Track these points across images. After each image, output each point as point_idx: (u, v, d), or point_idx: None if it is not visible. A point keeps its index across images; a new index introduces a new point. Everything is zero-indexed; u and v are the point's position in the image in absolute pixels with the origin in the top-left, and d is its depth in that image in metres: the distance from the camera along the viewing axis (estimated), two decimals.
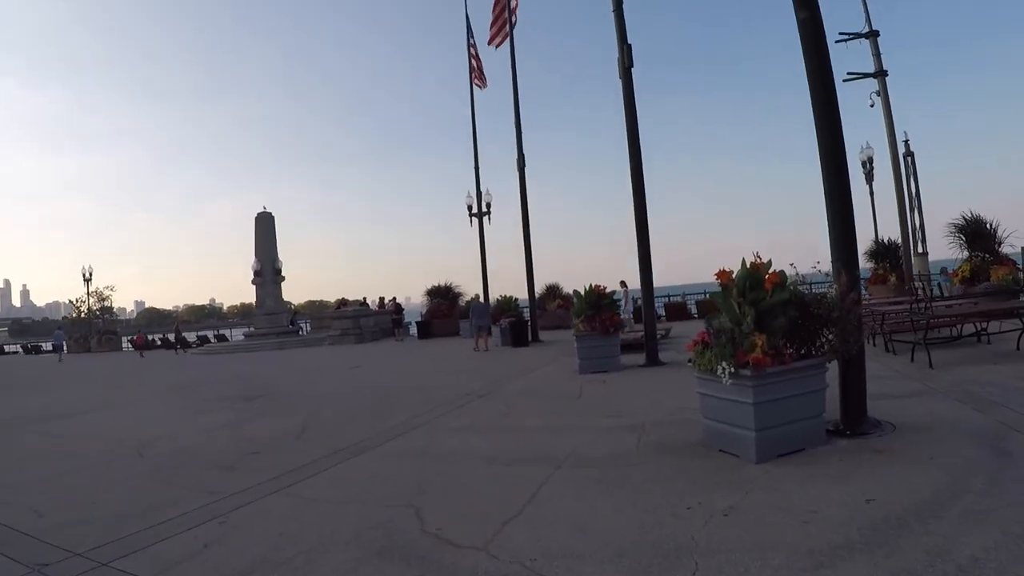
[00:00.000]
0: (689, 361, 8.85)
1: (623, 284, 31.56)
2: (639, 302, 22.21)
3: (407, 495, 7.66)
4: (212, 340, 55.42)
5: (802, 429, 8.19)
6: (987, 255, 24.91)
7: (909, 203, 31.33)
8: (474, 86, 36.53)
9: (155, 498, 8.32)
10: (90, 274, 61.42)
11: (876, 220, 36.70)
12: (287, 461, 9.79)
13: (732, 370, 7.79)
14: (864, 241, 35.42)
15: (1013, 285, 22.28)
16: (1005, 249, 25.19)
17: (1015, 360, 13.55)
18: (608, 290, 17.95)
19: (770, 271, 8.35)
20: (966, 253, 25.91)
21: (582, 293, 17.85)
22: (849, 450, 8.07)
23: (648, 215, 18.35)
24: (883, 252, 33.57)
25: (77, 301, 66.94)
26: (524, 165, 30.87)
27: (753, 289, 8.22)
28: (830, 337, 8.50)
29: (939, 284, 29.84)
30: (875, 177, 36.40)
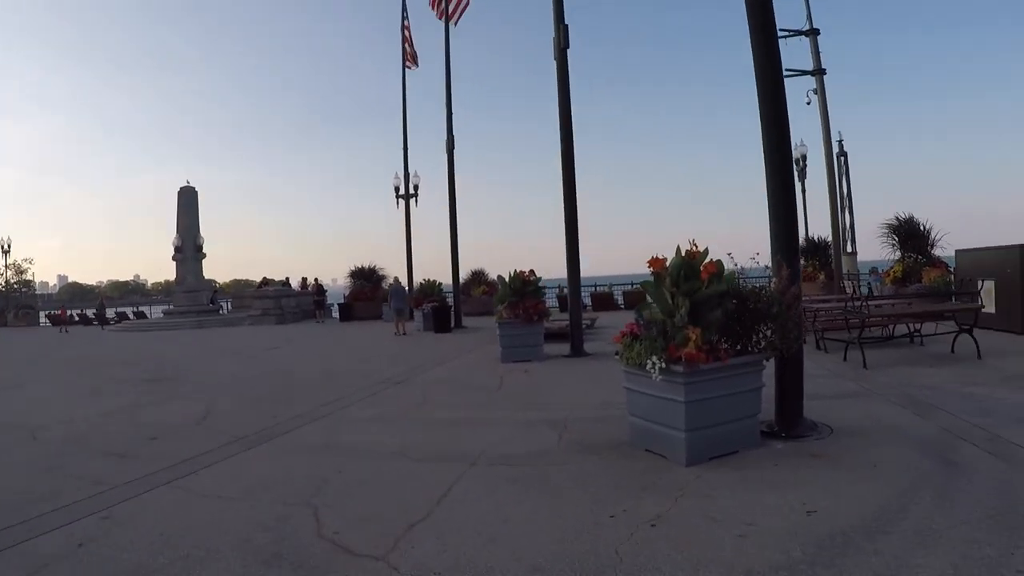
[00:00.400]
0: (616, 354, 8.24)
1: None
2: (564, 291, 21.72)
3: (305, 493, 6.93)
4: (131, 317, 53.42)
5: (736, 430, 7.66)
6: (920, 256, 25.03)
7: (840, 202, 31.33)
8: (406, 66, 35.91)
9: (38, 488, 7.52)
10: (8, 246, 57.86)
11: (807, 218, 36.87)
12: (183, 450, 9.00)
13: (663, 365, 7.20)
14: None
15: (945, 287, 22.23)
16: (937, 251, 25.32)
17: (951, 363, 13.31)
18: (533, 276, 17.26)
19: (706, 260, 7.78)
20: (899, 253, 26.02)
21: (506, 279, 17.23)
22: (786, 454, 7.59)
23: (579, 202, 17.75)
24: (813, 250, 33.96)
25: None
26: (453, 147, 30.24)
27: (688, 279, 7.62)
28: (768, 333, 7.95)
29: (868, 284, 29.88)
30: (808, 175, 36.78)
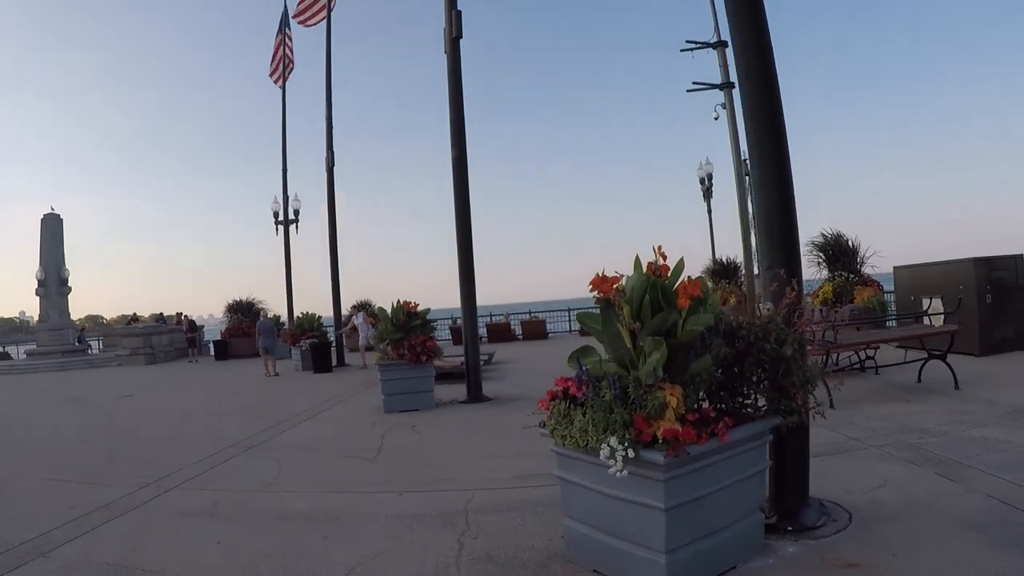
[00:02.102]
0: (541, 425, 5.50)
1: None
2: (457, 322, 19.20)
3: None
4: None
5: (733, 536, 5.07)
6: (851, 275, 23.09)
7: (743, 220, 29.59)
8: (285, 81, 33.21)
9: None
10: None
11: (714, 238, 35.39)
12: None
13: (628, 451, 4.49)
14: (702, 259, 34.90)
15: (880, 308, 21.22)
16: (867, 270, 23.83)
17: (928, 396, 11.41)
18: (421, 307, 14.45)
19: (682, 278, 5.17)
20: (825, 272, 24.36)
21: (388, 312, 14.40)
22: (806, 566, 5.04)
23: (473, 223, 15.25)
24: (723, 271, 32.57)
25: None
26: (333, 164, 27.45)
27: (657, 309, 4.98)
28: (781, 385, 5.33)
29: None
30: (714, 195, 35.35)
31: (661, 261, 5.08)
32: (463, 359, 15.98)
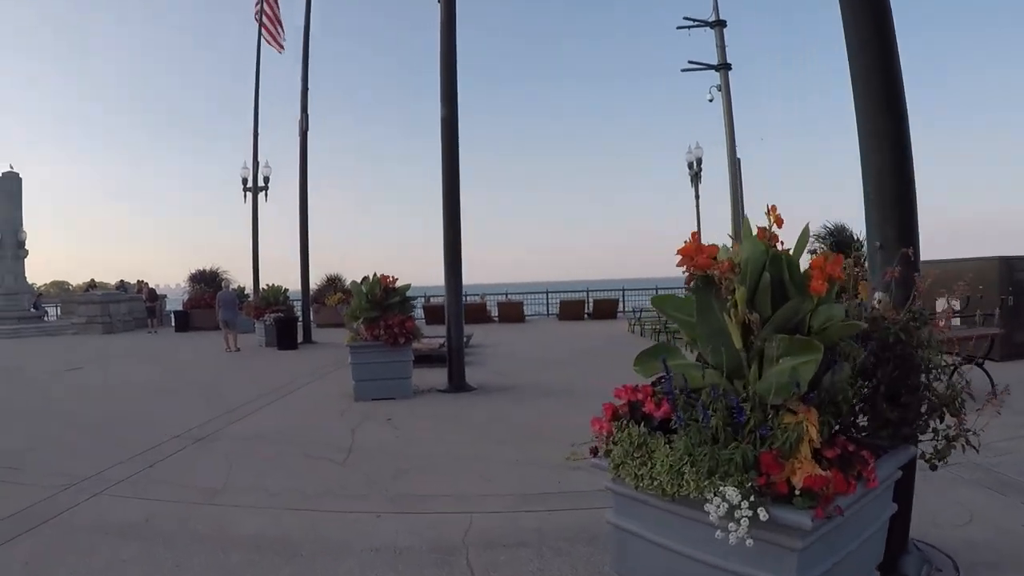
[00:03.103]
0: (594, 453, 4.14)
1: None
2: (431, 300, 17.77)
3: None
4: None
5: None
6: (856, 269, 21.63)
7: (734, 207, 28.39)
8: (264, 44, 31.19)
9: None
10: None
11: (701, 227, 34.12)
12: None
13: (755, 511, 2.92)
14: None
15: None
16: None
17: (968, 405, 9.76)
18: (397, 284, 12.94)
19: (818, 254, 3.76)
20: None
21: (362, 287, 12.79)
22: None
23: (462, 192, 13.82)
24: None
25: None
26: (307, 128, 25.49)
27: (781, 295, 3.52)
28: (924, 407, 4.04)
29: None
30: (703, 180, 33.96)
31: (776, 228, 3.60)
32: (442, 341, 14.54)
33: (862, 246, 22.22)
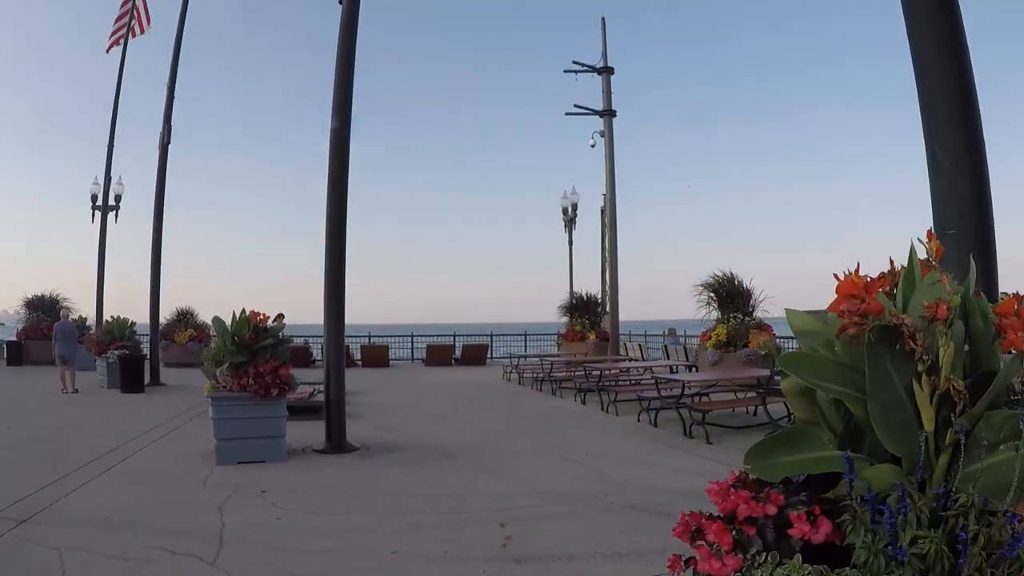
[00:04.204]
0: None
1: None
2: (294, 340, 15.88)
3: None
4: None
5: None
6: (745, 317, 21.53)
7: (611, 260, 27.58)
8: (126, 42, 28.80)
9: None
10: None
11: (573, 271, 33.37)
12: None
13: None
14: (559, 294, 34.01)
15: (776, 352, 18.36)
16: (759, 313, 22.18)
17: None
18: (272, 321, 10.88)
19: (1008, 297, 2.43)
20: (716, 314, 22.26)
21: (227, 324, 10.69)
22: None
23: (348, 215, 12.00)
24: (583, 307, 31.46)
25: None
26: (169, 141, 22.98)
27: (980, 351, 2.54)
28: None
29: (665, 346, 26.17)
30: (576, 226, 34.20)
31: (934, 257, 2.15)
32: (312, 389, 12.62)
33: (751, 295, 21.42)
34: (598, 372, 18.07)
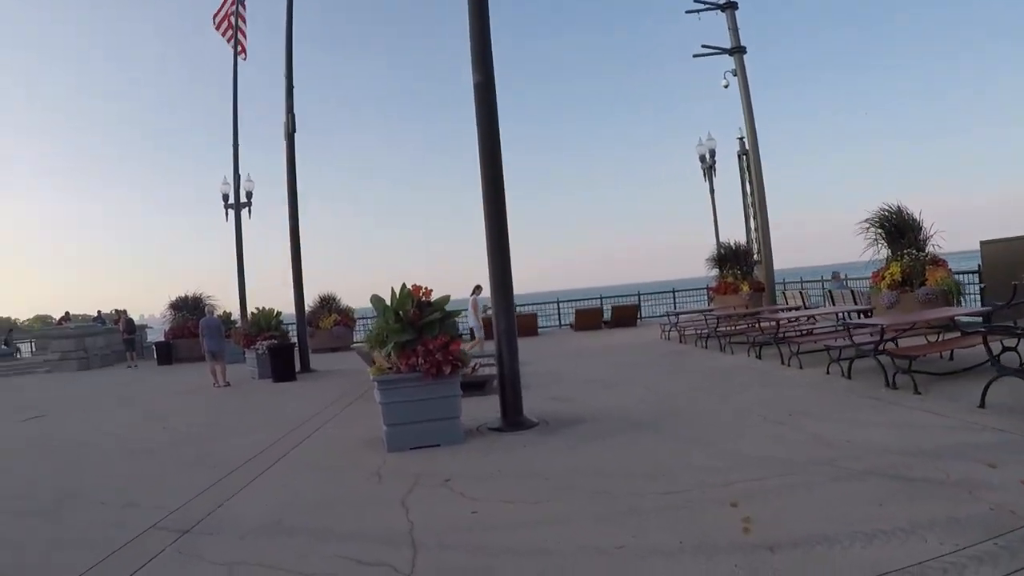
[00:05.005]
0: None
1: (477, 290, 22.95)
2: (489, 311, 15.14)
3: None
4: None
5: None
6: (919, 253, 19.56)
7: (759, 204, 25.67)
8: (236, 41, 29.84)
9: None
10: None
11: (717, 221, 31.72)
12: None
13: None
14: (701, 249, 32.91)
15: (956, 290, 18.02)
16: (931, 248, 19.99)
17: None
18: (436, 296, 9.90)
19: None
20: (886, 252, 20.37)
21: (387, 302, 9.83)
22: None
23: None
24: (731, 257, 29.58)
25: None
26: (294, 130, 22.50)
27: None
28: None
29: (830, 291, 24.46)
30: (716, 173, 32.29)
31: None
32: (474, 363, 11.83)
33: (922, 228, 19.62)
34: (773, 322, 16.34)
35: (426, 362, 9.10)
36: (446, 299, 9.85)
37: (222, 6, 29.77)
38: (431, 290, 9.74)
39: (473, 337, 23.86)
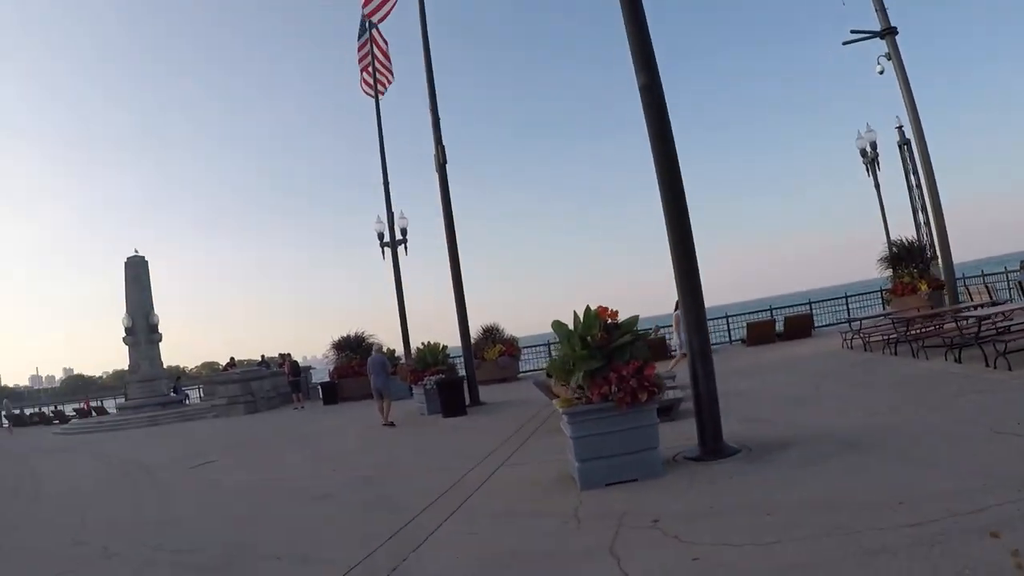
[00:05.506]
0: None
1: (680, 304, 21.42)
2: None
3: None
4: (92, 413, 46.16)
5: None
6: None
7: (931, 195, 23.83)
8: (374, 89, 30.92)
9: None
10: None
11: (886, 218, 30.04)
12: None
13: None
14: (875, 245, 30.22)
15: None
16: None
17: None
18: (623, 317, 9.04)
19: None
20: None
21: (570, 326, 9.02)
22: None
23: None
24: (905, 255, 27.33)
25: None
26: (445, 161, 22.27)
27: None
28: None
29: (1020, 283, 22.66)
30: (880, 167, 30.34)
31: None
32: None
33: None
34: (974, 320, 14.71)
35: (620, 390, 8.26)
36: (635, 319, 9.00)
37: (362, 47, 30.32)
38: (617, 311, 8.93)
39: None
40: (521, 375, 30.18)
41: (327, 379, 33.33)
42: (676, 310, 20.47)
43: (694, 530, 6.40)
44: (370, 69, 30.58)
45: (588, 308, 8.90)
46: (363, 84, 31.42)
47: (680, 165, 9.84)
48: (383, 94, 30.83)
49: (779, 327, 30.01)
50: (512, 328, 31.79)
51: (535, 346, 33.17)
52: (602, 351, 8.58)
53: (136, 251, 40.37)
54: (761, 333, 29.28)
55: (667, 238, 9.71)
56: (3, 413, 46.97)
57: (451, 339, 22.31)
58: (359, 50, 31.24)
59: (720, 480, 8.12)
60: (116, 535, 9.61)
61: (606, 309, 8.83)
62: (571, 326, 8.97)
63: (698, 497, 7.53)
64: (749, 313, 34.21)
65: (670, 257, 9.73)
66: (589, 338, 8.62)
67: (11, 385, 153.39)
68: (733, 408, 12.60)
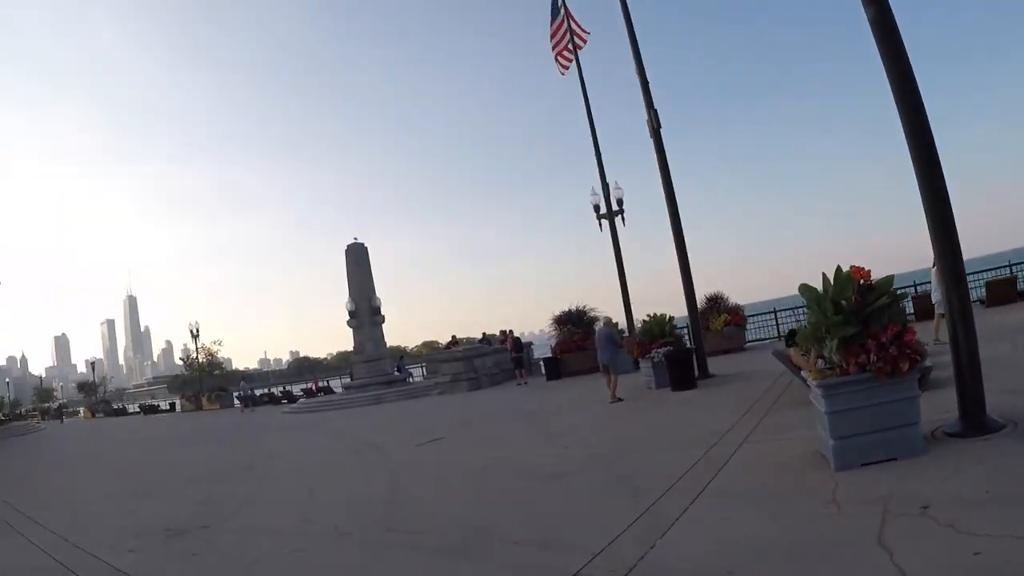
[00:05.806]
0: None
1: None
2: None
3: None
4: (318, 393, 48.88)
5: None
6: None
7: None
8: (572, 62, 30.70)
9: None
10: (197, 330, 60.90)
11: None
12: None
13: None
14: None
15: None
16: None
17: None
18: (875, 277, 8.18)
19: None
20: None
21: (819, 289, 8.26)
22: None
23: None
24: None
25: (187, 358, 65.81)
26: (659, 126, 21.37)
27: None
28: None
29: None
30: None
31: None
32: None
33: None
34: None
35: (879, 359, 7.48)
36: (890, 279, 8.12)
37: (559, 27, 30.50)
38: (870, 271, 8.10)
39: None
40: (747, 345, 29.26)
41: (549, 354, 33.14)
42: (934, 266, 19.08)
43: (970, 519, 5.59)
44: (566, 50, 30.42)
45: (839, 269, 8.10)
46: (560, 67, 31.12)
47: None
48: (565, 71, 30.71)
49: (1021, 285, 27.70)
50: (735, 296, 30.88)
51: (761, 314, 31.99)
52: (857, 316, 7.79)
53: (355, 238, 42.23)
54: (1003, 292, 27.01)
55: (921, 198, 8.69)
56: (242, 394, 50.02)
57: (670, 309, 21.63)
58: (552, 36, 31.01)
59: (989, 460, 7.17)
60: (347, 514, 9.77)
61: (860, 269, 8.01)
62: (820, 289, 8.22)
63: (969, 480, 6.66)
64: (984, 271, 31.13)
65: (919, 207, 8.73)
66: (844, 302, 7.85)
67: (242, 368, 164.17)
68: (990, 376, 11.48)
